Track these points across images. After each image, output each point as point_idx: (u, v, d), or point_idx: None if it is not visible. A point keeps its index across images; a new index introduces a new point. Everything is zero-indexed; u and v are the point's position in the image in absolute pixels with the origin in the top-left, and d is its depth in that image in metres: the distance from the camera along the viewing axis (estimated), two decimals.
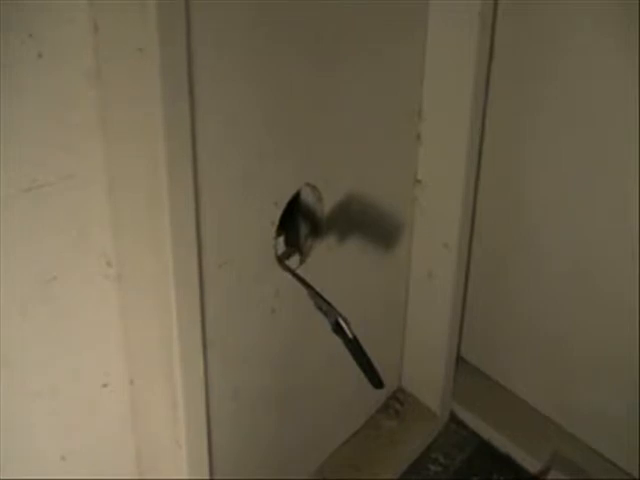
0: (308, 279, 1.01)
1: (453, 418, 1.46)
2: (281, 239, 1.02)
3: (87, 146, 0.80)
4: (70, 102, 0.77)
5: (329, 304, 0.98)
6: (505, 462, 1.39)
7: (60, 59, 0.75)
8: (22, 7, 0.70)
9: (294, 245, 1.06)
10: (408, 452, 1.38)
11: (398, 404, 1.45)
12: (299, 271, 1.03)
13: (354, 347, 0.98)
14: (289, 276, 1.01)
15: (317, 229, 1.07)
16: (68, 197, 0.80)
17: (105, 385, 0.93)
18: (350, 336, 0.97)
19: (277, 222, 0.98)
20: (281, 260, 1.01)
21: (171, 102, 0.75)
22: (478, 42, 1.11)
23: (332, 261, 1.13)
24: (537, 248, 1.32)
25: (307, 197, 1.04)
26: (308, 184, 1.03)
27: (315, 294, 0.99)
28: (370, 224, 1.20)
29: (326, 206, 1.07)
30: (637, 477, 1.29)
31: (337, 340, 0.98)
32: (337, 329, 0.97)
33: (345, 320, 0.97)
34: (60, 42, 0.74)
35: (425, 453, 1.39)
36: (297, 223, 1.05)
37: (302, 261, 1.07)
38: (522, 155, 1.28)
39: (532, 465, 1.36)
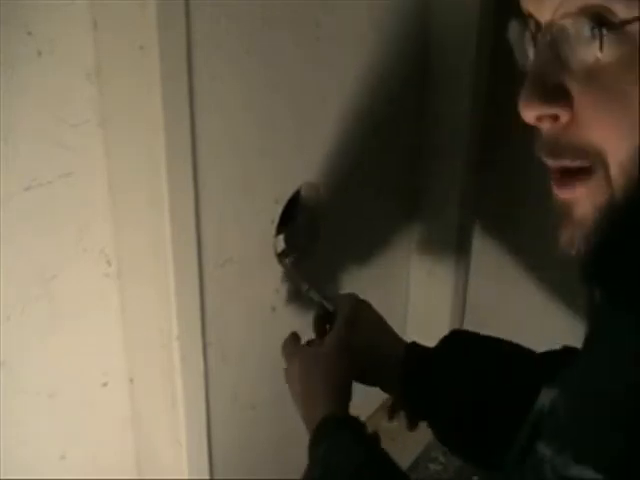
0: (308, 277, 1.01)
1: None
2: (281, 237, 1.02)
3: (87, 144, 0.80)
4: (70, 100, 0.77)
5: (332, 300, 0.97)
6: None
7: (60, 57, 0.74)
8: (21, 4, 0.70)
9: (294, 243, 1.05)
10: (408, 451, 1.37)
11: None
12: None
13: None
14: (290, 274, 1.01)
15: (317, 227, 1.07)
16: (68, 196, 0.80)
17: (105, 384, 0.92)
18: None
19: (277, 220, 0.98)
20: (281, 258, 1.01)
21: (171, 100, 0.75)
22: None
23: (332, 260, 1.12)
24: (537, 248, 1.32)
25: (307, 194, 1.04)
26: (308, 181, 1.03)
27: (317, 290, 0.98)
28: (371, 222, 1.20)
29: (326, 203, 1.07)
30: None
31: None
32: None
33: None
34: (60, 40, 0.74)
35: (425, 452, 1.39)
36: (297, 221, 1.05)
37: (302, 259, 1.07)
38: (522, 155, 1.28)
39: None
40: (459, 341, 0.83)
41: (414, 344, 0.86)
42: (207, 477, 0.99)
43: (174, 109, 0.76)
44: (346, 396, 0.81)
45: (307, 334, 1.11)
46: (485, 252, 1.40)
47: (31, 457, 0.89)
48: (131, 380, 0.95)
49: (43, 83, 0.74)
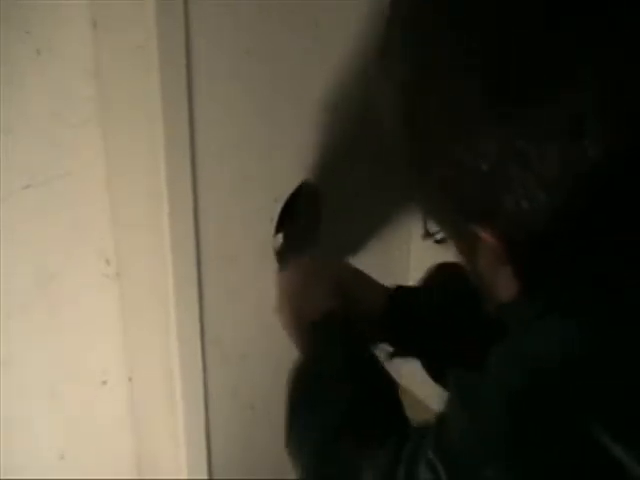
0: None
1: None
2: (280, 235, 1.02)
3: (86, 144, 0.80)
4: (69, 99, 0.77)
5: None
6: None
7: (59, 56, 0.75)
8: (20, 4, 0.70)
9: (294, 241, 1.05)
10: None
11: None
12: None
13: None
14: None
15: (316, 225, 1.07)
16: (67, 195, 0.80)
17: (104, 382, 0.92)
18: None
19: (276, 218, 0.98)
20: (281, 256, 1.01)
21: (170, 99, 0.74)
22: None
23: (332, 259, 1.12)
24: None
25: (307, 193, 1.04)
26: (308, 180, 1.02)
27: None
28: (371, 220, 1.20)
29: (326, 202, 1.07)
30: None
31: None
32: None
33: None
34: (59, 39, 0.74)
35: None
36: (296, 219, 1.05)
37: (302, 257, 1.06)
38: None
39: None
40: (447, 273, 0.84)
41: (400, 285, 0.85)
42: (206, 477, 0.99)
43: (173, 109, 0.76)
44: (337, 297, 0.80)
45: None
46: None
47: (31, 457, 0.89)
48: (130, 379, 0.95)
49: (42, 82, 0.74)
